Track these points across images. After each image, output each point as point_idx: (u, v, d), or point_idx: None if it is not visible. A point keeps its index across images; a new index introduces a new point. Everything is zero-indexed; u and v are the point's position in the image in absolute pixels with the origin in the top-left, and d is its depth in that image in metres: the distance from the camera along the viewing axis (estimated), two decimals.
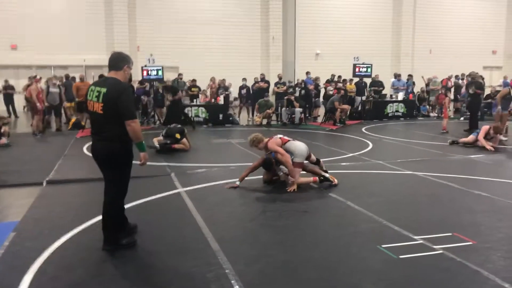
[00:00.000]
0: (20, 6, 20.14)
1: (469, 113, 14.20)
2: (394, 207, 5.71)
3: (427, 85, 19.00)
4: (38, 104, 12.58)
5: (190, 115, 15.10)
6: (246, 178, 6.75)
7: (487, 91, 18.74)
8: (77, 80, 15.34)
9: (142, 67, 15.62)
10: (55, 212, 5.54)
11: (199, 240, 4.52)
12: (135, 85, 15.79)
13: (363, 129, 13.93)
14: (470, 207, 5.69)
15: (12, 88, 17.57)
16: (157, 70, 15.47)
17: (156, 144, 9.59)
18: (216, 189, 6.60)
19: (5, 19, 19.94)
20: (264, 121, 15.38)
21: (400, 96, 17.73)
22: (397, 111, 17.48)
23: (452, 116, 17.39)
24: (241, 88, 17.18)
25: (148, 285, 3.63)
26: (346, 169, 8.00)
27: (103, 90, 4.07)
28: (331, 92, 16.21)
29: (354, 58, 17.90)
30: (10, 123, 13.04)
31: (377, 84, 18.27)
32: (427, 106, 18.73)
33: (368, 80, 18.34)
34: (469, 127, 13.01)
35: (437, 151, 9.89)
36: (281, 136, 6.93)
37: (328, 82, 18.03)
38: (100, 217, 4.43)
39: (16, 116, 17.70)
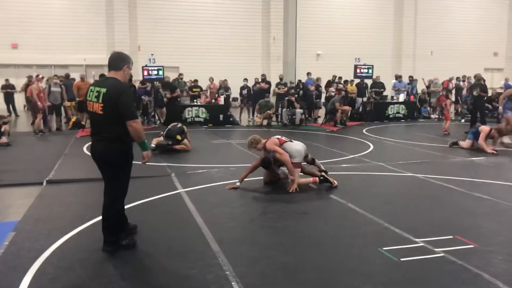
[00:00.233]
0: (21, 5, 20.15)
1: (470, 115, 14.19)
2: (395, 209, 5.69)
3: (427, 87, 18.98)
4: (39, 103, 12.56)
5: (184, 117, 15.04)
6: (246, 179, 6.74)
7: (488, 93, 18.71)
8: (78, 79, 15.33)
9: (142, 67, 15.62)
10: (55, 212, 5.53)
11: (199, 241, 4.51)
12: (136, 84, 15.79)
13: (364, 131, 13.91)
14: (471, 210, 5.68)
15: (12, 87, 17.57)
16: (158, 70, 15.47)
17: (153, 144, 9.55)
18: (216, 190, 6.59)
19: (6, 18, 19.96)
20: (265, 122, 15.38)
21: (401, 97, 17.71)
22: (398, 112, 17.46)
23: (453, 118, 17.37)
24: (241, 88, 17.17)
25: (148, 286, 3.62)
26: (347, 170, 7.98)
27: (103, 90, 4.05)
28: (333, 94, 16.19)
29: (355, 59, 17.90)
30: (10, 122, 13.03)
31: (378, 85, 18.26)
32: (428, 108, 18.72)
33: (369, 81, 18.33)
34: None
35: (438, 153, 9.87)
36: (279, 136, 6.95)
37: (330, 83, 18.01)
38: (100, 218, 4.41)
39: (16, 115, 17.70)
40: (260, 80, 17.16)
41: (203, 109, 15.50)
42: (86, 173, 7.36)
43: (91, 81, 15.29)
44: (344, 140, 12.33)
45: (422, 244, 4.39)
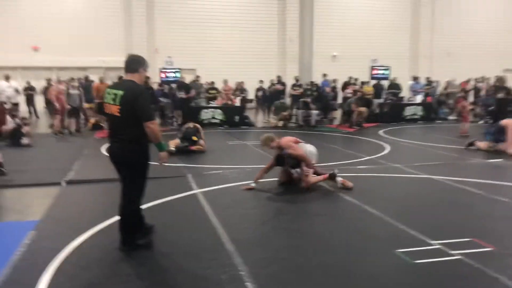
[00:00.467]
0: (42, 9, 20.53)
1: (490, 117, 13.96)
2: (411, 211, 5.65)
3: (445, 88, 18.76)
4: (56, 104, 12.76)
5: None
6: (261, 180, 6.77)
7: None
8: (97, 81, 15.55)
9: (160, 69, 15.77)
10: (74, 212, 5.64)
11: (214, 242, 4.55)
12: (154, 87, 15.94)
13: (380, 132, 13.82)
14: (489, 212, 5.60)
15: (33, 89, 17.89)
16: (175, 72, 15.61)
17: (172, 148, 9.66)
18: (231, 191, 6.63)
19: (27, 22, 20.35)
20: (280, 123, 15.37)
21: (418, 99, 17.54)
22: (415, 114, 17.29)
23: (471, 120, 17.11)
24: (257, 90, 17.20)
25: (164, 285, 3.67)
26: (362, 172, 7.95)
27: (120, 92, 4.12)
28: (349, 95, 16.10)
29: (372, 60, 17.77)
30: (31, 123, 13.29)
31: (395, 86, 18.11)
32: (446, 110, 18.49)
33: (385, 83, 18.20)
34: None
35: (456, 155, 9.76)
36: (294, 137, 7.04)
37: (346, 84, 17.93)
38: (117, 218, 4.49)
39: (37, 117, 18.02)
40: (275, 82, 17.17)
41: (219, 111, 15.58)
42: (104, 173, 7.46)
43: (110, 83, 15.50)
44: (360, 142, 12.27)
45: (438, 246, 4.36)
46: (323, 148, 9.75)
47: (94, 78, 16.51)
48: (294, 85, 17.16)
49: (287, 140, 6.88)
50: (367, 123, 15.83)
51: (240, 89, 17.38)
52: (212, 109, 15.59)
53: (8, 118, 11.65)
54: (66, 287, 3.56)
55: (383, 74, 17.63)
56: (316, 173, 6.87)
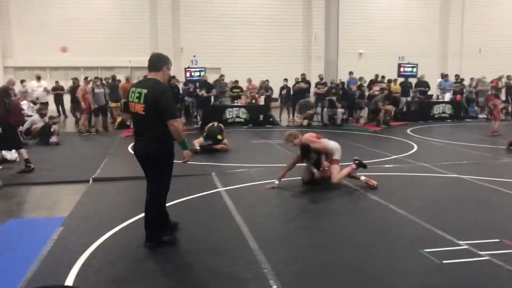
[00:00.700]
0: (70, 10, 20.96)
1: None
2: (438, 211, 5.54)
3: (475, 86, 18.32)
4: (82, 104, 12.99)
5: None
6: (285, 179, 6.75)
7: None
8: (123, 81, 15.78)
9: (185, 69, 15.89)
10: (100, 209, 5.73)
11: (238, 239, 4.56)
12: (180, 86, 16.07)
13: (407, 131, 13.59)
14: None
15: (62, 89, 18.27)
16: (200, 71, 15.71)
17: (197, 146, 9.72)
18: (255, 189, 6.63)
19: (56, 23, 20.80)
20: (305, 122, 15.28)
21: (447, 97, 17.18)
22: (443, 112, 16.94)
23: (503, 118, 16.68)
24: (281, 88, 17.14)
25: (188, 282, 3.69)
26: (389, 171, 7.83)
27: (144, 91, 4.16)
28: (377, 93, 15.87)
29: (399, 57, 17.50)
30: (59, 122, 13.59)
31: (423, 84, 17.77)
32: (476, 108, 18.06)
33: (413, 80, 17.89)
34: None
35: (486, 154, 9.51)
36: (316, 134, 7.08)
37: (372, 82, 17.68)
38: (142, 215, 4.54)
39: (65, 116, 18.40)
40: (299, 79, 17.07)
41: (243, 110, 15.60)
42: (130, 171, 7.58)
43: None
44: (387, 141, 12.10)
45: (465, 247, 4.25)
46: (348, 146, 9.66)
47: (121, 77, 16.76)
48: (318, 83, 17.01)
49: (309, 136, 6.92)
50: (394, 122, 15.60)
51: (264, 87, 17.34)
52: (237, 108, 15.62)
53: (36, 116, 11.94)
54: (92, 282, 3.62)
55: (410, 71, 17.33)
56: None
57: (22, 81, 15.57)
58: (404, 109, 17.13)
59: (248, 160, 8.96)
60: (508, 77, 19.21)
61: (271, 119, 15.73)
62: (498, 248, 4.22)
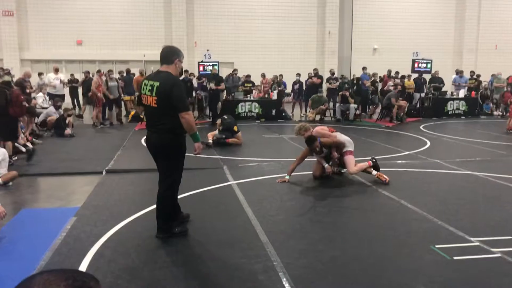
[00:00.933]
0: (86, 4, 21.12)
1: None
2: (450, 208, 5.50)
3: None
4: (99, 95, 13.09)
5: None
6: (296, 173, 6.75)
7: None
8: (137, 74, 15.88)
9: (198, 63, 15.93)
10: (113, 200, 5.80)
11: (248, 232, 4.58)
12: (194, 80, 16.10)
13: (421, 127, 13.48)
14: None
15: (77, 81, 18.45)
16: (213, 65, 15.74)
17: (210, 140, 9.76)
18: (266, 183, 6.65)
19: (73, 17, 20.99)
20: (317, 117, 15.22)
21: (461, 93, 16.98)
22: (458, 109, 16.75)
23: None
24: (294, 83, 17.09)
25: (198, 273, 3.73)
26: (401, 167, 7.79)
27: (156, 84, 4.19)
28: (391, 88, 15.72)
29: (413, 53, 17.33)
30: (74, 114, 13.73)
31: (437, 80, 17.58)
32: (491, 104, 17.82)
33: (427, 76, 17.71)
34: None
35: (501, 151, 9.40)
36: (327, 126, 7.09)
37: (386, 77, 17.53)
38: (154, 206, 4.59)
39: (80, 108, 18.59)
40: (312, 74, 17.00)
41: (256, 104, 15.60)
42: (143, 163, 7.66)
43: None
44: (400, 136, 12.02)
45: (477, 243, 4.22)
46: (361, 142, 9.63)
47: (135, 71, 16.87)
48: (329, 79, 16.89)
49: (319, 129, 6.91)
50: (407, 118, 15.47)
51: (277, 82, 17.31)
52: (249, 103, 15.62)
53: (51, 108, 12.09)
54: (104, 271, 3.67)
55: (425, 67, 17.15)
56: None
57: (40, 74, 15.75)
58: (418, 105, 16.98)
59: (260, 154, 8.97)
60: None
61: (283, 114, 15.71)
62: (510, 245, 4.18)
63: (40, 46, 21.10)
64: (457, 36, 24.94)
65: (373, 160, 6.86)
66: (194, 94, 15.49)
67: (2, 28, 20.47)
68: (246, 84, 17.00)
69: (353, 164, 6.63)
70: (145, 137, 4.73)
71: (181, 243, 4.34)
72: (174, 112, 4.16)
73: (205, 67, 15.81)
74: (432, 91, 17.06)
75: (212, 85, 14.31)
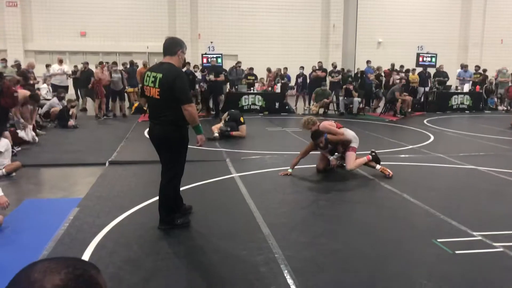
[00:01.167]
0: None
1: None
2: (453, 202, 5.49)
3: (495, 77, 17.99)
4: (104, 80, 13.04)
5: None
6: (299, 167, 6.74)
7: None
8: (141, 66, 15.86)
9: (202, 55, 15.89)
10: (116, 191, 5.81)
11: (250, 224, 4.59)
12: (197, 73, 16.05)
13: (425, 121, 13.44)
14: None
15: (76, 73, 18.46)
16: (217, 57, 15.68)
17: (216, 133, 9.76)
18: (269, 176, 6.64)
19: (76, 8, 20.97)
20: (321, 111, 15.19)
21: (466, 87, 16.89)
22: (462, 103, 16.68)
23: None
24: (297, 76, 17.03)
25: (200, 264, 3.74)
26: (404, 161, 7.77)
27: (159, 75, 4.17)
28: (397, 81, 15.61)
29: (418, 47, 17.25)
30: (77, 106, 13.74)
31: (442, 74, 17.49)
32: (495, 99, 17.73)
33: (432, 71, 17.62)
34: None
35: (504, 146, 9.36)
36: (335, 121, 6.99)
37: (389, 71, 17.43)
38: (157, 198, 4.60)
39: (83, 101, 18.60)
40: (316, 67, 16.92)
41: (259, 97, 15.56)
42: (146, 155, 7.67)
43: None
44: (404, 131, 11.99)
45: (479, 238, 4.21)
46: (364, 136, 9.59)
47: (139, 63, 16.86)
48: (331, 72, 16.78)
49: (326, 124, 6.83)
50: (411, 112, 15.42)
51: (280, 75, 17.25)
52: (252, 96, 15.59)
53: (55, 99, 12.11)
54: (106, 262, 3.68)
55: (430, 61, 17.06)
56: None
57: (47, 65, 15.77)
58: (422, 99, 16.90)
59: (263, 147, 8.97)
60: None
61: (287, 107, 15.68)
62: None
63: (44, 37, 21.11)
64: (462, 30, 24.79)
65: (373, 154, 6.82)
66: (197, 87, 15.41)
67: (6, 19, 20.48)
68: (249, 77, 16.95)
69: (353, 161, 6.60)
70: (148, 129, 4.73)
71: (183, 234, 4.35)
72: (177, 104, 4.15)
73: (209, 59, 15.76)
74: (437, 85, 16.98)
75: (212, 77, 14.08)
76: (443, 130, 11.64)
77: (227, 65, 17.26)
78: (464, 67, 18.07)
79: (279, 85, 16.26)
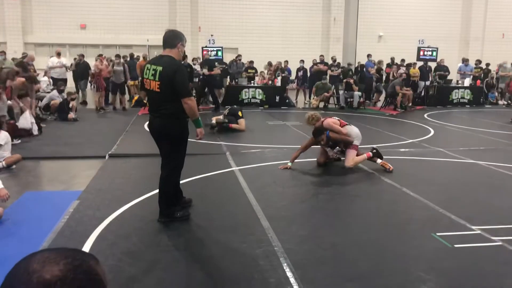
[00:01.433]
0: None
1: None
2: (452, 196, 5.50)
3: (496, 71, 17.94)
4: (105, 71, 13.03)
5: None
6: (299, 160, 6.75)
7: None
8: (141, 59, 15.82)
9: (202, 48, 15.84)
10: (116, 184, 5.82)
11: (250, 217, 4.60)
12: (196, 66, 16.01)
13: (425, 115, 13.42)
14: None
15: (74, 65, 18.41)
16: (217, 50, 15.66)
17: (213, 122, 9.82)
18: (269, 169, 6.65)
19: (76, 1, 20.89)
20: (321, 104, 15.16)
21: (467, 82, 16.86)
22: (462, 97, 16.65)
23: None
24: (298, 70, 16.98)
25: (199, 257, 3.75)
26: (404, 155, 7.77)
27: (159, 68, 4.16)
28: (400, 74, 15.54)
29: (419, 41, 17.20)
30: (77, 98, 13.72)
31: (442, 68, 17.45)
32: (496, 94, 17.71)
33: (433, 65, 17.58)
34: None
35: (505, 141, 9.36)
36: (339, 118, 6.92)
37: (389, 66, 17.40)
38: (157, 190, 4.60)
39: (83, 94, 18.56)
40: (318, 61, 16.86)
41: (260, 91, 15.53)
42: (146, 148, 7.67)
43: None
44: (404, 125, 11.98)
45: (478, 231, 4.23)
46: (365, 130, 9.55)
47: (139, 56, 16.81)
48: (331, 66, 16.72)
49: (330, 121, 6.77)
50: (412, 106, 15.39)
51: (281, 68, 17.20)
52: (253, 89, 15.55)
53: (54, 92, 12.09)
54: (106, 254, 3.69)
55: (430, 55, 17.01)
56: (357, 154, 6.79)
57: (51, 57, 15.73)
58: (423, 94, 16.87)
59: (263, 141, 8.97)
60: None
61: (287, 101, 15.65)
62: (511, 234, 4.18)
63: (44, 29, 21.04)
64: (463, 24, 24.70)
65: (373, 151, 6.78)
66: (196, 80, 15.38)
67: (6, 11, 20.40)
68: (249, 70, 16.92)
69: (352, 158, 6.59)
70: (148, 122, 4.73)
71: (183, 227, 4.36)
72: (177, 97, 4.14)
73: (209, 53, 15.72)
74: (437, 80, 16.94)
75: (205, 71, 13.80)
76: (444, 124, 11.64)
77: (228, 58, 17.21)
78: (465, 61, 18.03)
79: (279, 78, 16.22)
